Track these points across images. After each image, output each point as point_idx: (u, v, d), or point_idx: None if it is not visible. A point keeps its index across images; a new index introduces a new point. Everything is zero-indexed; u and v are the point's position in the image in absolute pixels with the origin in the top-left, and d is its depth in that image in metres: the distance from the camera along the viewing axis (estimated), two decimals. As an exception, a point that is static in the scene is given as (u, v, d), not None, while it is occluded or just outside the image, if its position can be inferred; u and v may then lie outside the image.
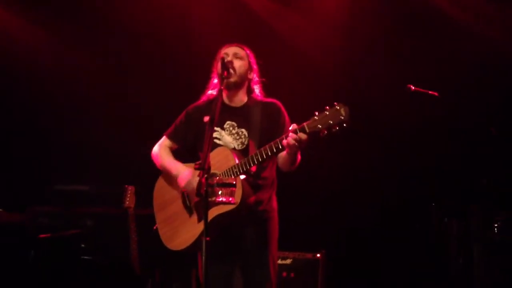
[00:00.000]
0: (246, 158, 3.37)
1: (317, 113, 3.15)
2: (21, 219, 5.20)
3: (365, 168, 5.54)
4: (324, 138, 3.14)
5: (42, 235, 4.98)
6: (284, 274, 4.81)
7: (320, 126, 3.12)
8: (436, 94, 4.42)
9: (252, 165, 3.36)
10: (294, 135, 3.19)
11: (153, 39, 5.94)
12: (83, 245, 5.07)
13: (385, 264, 5.38)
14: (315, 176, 5.39)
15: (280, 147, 3.27)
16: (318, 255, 4.87)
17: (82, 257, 5.01)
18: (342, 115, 3.07)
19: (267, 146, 3.32)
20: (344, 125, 3.08)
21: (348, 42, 5.58)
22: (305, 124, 3.19)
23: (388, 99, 5.30)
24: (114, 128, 5.91)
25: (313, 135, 3.17)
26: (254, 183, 3.47)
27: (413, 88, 4.37)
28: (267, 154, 3.31)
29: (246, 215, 3.41)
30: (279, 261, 4.68)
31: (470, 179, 4.85)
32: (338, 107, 3.09)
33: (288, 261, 4.87)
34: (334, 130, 3.10)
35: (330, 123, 3.09)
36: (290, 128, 3.23)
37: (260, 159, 3.33)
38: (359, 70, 5.57)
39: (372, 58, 5.50)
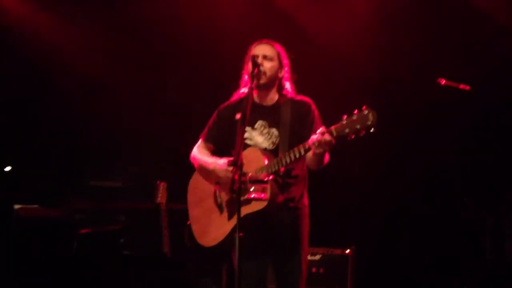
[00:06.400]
0: (275, 160, 3.42)
1: (345, 117, 3.17)
2: (59, 214, 5.32)
3: (396, 163, 5.50)
4: (351, 141, 3.17)
5: (83, 230, 5.08)
6: (314, 269, 4.83)
7: (348, 131, 3.14)
8: (467, 88, 4.35)
9: (280, 167, 3.41)
10: (321, 137, 3.21)
11: (188, 36, 5.98)
12: (122, 240, 5.17)
13: (414, 260, 5.35)
14: (345, 171, 5.37)
15: (308, 148, 3.31)
16: (348, 251, 4.88)
17: (121, 251, 5.12)
18: (369, 120, 3.08)
19: (295, 148, 3.36)
20: (372, 130, 3.08)
21: (377, 38, 5.53)
22: (333, 128, 3.21)
23: (421, 94, 5.25)
24: (148, 126, 6.00)
25: (340, 139, 3.20)
26: (284, 182, 3.50)
27: (443, 82, 4.32)
28: (294, 156, 3.36)
29: (276, 212, 3.45)
30: (309, 257, 4.70)
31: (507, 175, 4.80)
32: (366, 112, 3.10)
33: (317, 257, 4.89)
34: (361, 134, 3.12)
35: (357, 127, 3.11)
36: (318, 131, 3.25)
37: (288, 161, 3.38)
38: (389, 65, 5.52)
39: (402, 54, 5.45)
